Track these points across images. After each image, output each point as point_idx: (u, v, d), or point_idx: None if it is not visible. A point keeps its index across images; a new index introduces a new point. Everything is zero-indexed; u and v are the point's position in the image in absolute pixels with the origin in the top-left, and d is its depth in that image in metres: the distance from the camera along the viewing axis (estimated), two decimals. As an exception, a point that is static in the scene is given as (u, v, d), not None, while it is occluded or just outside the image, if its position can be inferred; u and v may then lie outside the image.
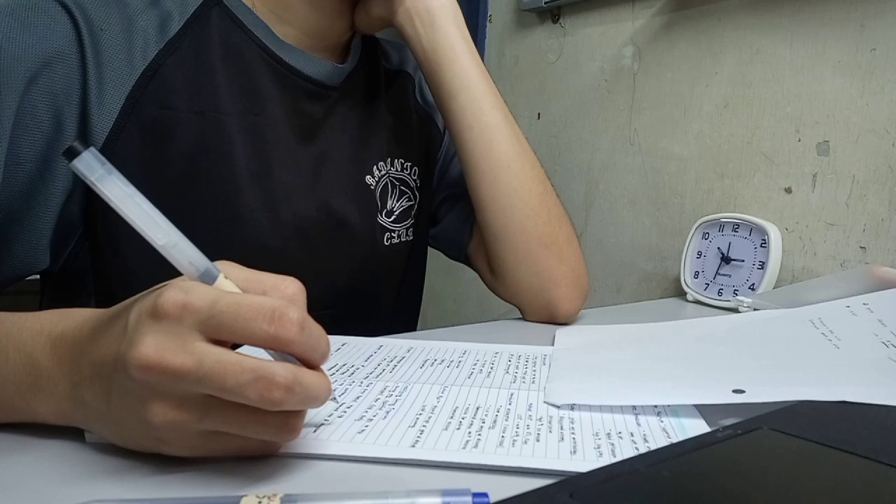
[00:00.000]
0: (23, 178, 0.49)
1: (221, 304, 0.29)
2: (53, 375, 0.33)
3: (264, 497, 0.28)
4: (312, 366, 0.31)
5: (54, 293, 0.60)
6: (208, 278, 0.31)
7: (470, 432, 0.37)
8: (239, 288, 0.32)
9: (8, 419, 0.36)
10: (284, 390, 0.29)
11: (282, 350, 0.30)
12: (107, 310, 0.34)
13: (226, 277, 0.31)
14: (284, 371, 0.29)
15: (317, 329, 0.31)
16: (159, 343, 0.29)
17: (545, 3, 1.17)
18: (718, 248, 0.86)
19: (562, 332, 0.61)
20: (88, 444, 0.35)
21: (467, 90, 0.64)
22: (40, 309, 0.60)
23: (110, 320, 0.32)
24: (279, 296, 0.32)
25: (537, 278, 0.65)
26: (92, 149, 0.30)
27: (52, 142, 0.49)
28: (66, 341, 0.34)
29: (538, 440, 0.36)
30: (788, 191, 0.87)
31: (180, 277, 0.31)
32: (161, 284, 0.31)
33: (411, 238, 0.72)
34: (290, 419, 0.31)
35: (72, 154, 0.29)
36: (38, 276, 0.61)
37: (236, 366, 0.29)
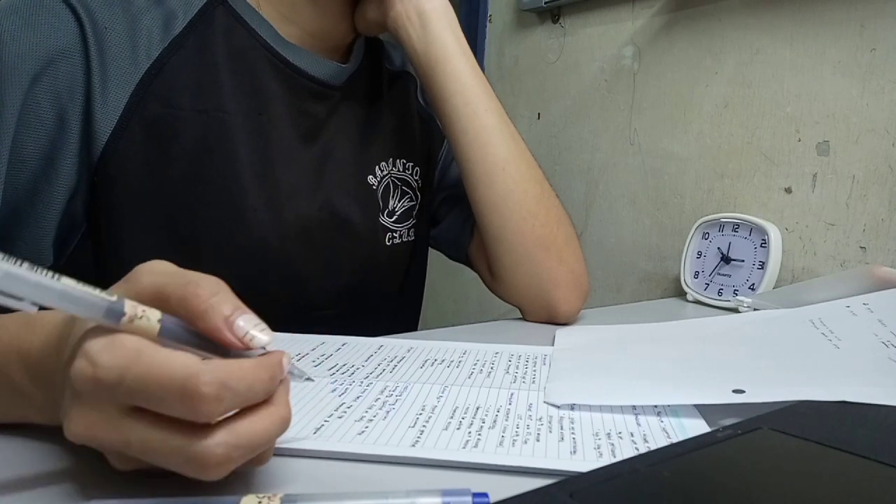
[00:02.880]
0: (27, 176, 0.49)
1: (129, 381, 0.26)
2: (32, 393, 0.33)
3: (264, 497, 0.28)
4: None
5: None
6: (112, 318, 0.27)
7: (470, 432, 0.37)
8: (153, 302, 0.28)
9: (5, 421, 0.36)
10: (219, 465, 0.27)
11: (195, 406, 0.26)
12: (63, 327, 0.31)
13: (133, 309, 0.27)
14: (217, 444, 0.26)
15: (244, 381, 0.27)
16: (86, 419, 0.27)
17: (545, 3, 1.17)
18: (718, 248, 0.86)
19: (562, 333, 0.61)
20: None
21: (461, 93, 0.63)
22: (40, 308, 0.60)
23: (59, 353, 0.30)
24: (191, 310, 0.28)
25: (536, 279, 0.65)
26: None
27: (55, 140, 0.49)
28: (33, 358, 0.32)
29: (538, 440, 0.36)
30: (788, 191, 0.87)
31: (89, 334, 0.27)
32: (85, 336, 0.28)
33: (413, 238, 0.72)
34: (252, 461, 0.29)
35: None
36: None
37: (162, 445, 0.27)
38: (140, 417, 0.27)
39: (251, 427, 0.28)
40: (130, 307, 0.27)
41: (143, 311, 0.28)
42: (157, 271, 0.30)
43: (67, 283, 0.26)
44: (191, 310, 0.28)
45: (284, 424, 0.29)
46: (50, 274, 0.26)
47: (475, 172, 0.64)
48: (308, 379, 0.34)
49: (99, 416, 0.27)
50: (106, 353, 0.26)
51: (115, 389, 0.26)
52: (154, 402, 0.26)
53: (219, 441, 0.27)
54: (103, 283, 0.58)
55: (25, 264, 0.25)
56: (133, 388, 0.26)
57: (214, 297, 0.28)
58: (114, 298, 0.27)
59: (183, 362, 0.26)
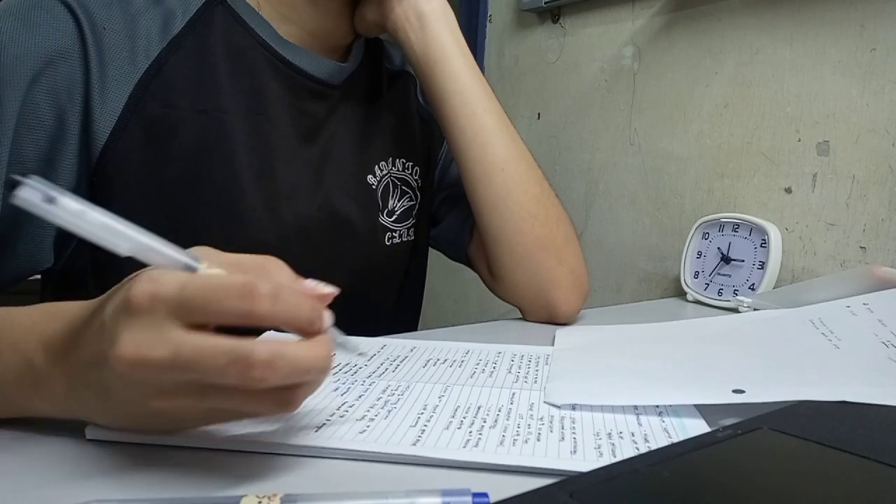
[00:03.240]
0: None
1: (190, 288, 0.29)
2: (50, 376, 0.33)
3: (264, 497, 0.28)
4: (307, 333, 0.31)
5: (55, 292, 0.60)
6: (186, 270, 0.31)
7: (471, 431, 0.37)
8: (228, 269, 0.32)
9: (10, 415, 0.36)
10: (264, 368, 0.28)
11: (258, 325, 0.29)
12: (88, 304, 0.34)
13: (208, 268, 0.31)
14: (263, 349, 0.28)
15: (295, 297, 0.30)
16: (136, 338, 0.29)
17: (545, 3, 1.17)
18: (718, 248, 0.86)
19: (562, 333, 0.61)
20: (89, 443, 0.35)
21: (460, 94, 0.63)
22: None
23: (90, 318, 0.32)
24: (263, 272, 0.32)
25: (536, 279, 0.65)
26: (31, 179, 0.29)
27: (55, 140, 0.49)
28: (56, 342, 0.33)
29: (539, 440, 0.36)
30: (788, 191, 0.87)
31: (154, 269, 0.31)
32: (132, 275, 0.31)
33: (412, 238, 0.72)
34: (285, 394, 0.31)
35: (12, 188, 0.29)
36: (38, 276, 0.61)
37: (212, 349, 0.28)
38: (191, 330, 0.29)
39: (296, 348, 0.29)
40: (205, 266, 0.31)
41: (216, 270, 0.31)
42: (220, 252, 0.34)
43: (153, 238, 0.31)
44: (263, 272, 0.33)
45: (324, 363, 0.31)
46: (139, 229, 0.31)
47: (474, 173, 0.64)
48: (361, 354, 0.35)
49: (149, 334, 0.29)
50: (167, 274, 0.30)
51: (175, 299, 0.29)
52: (213, 305, 0.29)
53: (265, 347, 0.28)
54: (102, 282, 0.58)
55: (119, 220, 0.30)
56: (194, 295, 0.29)
57: (283, 271, 0.33)
58: (190, 258, 0.31)
59: (241, 276, 0.30)
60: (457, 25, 0.65)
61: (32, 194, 0.28)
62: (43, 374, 0.33)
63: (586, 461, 0.34)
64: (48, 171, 0.50)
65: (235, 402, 0.30)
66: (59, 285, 0.58)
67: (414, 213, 0.72)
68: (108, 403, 0.32)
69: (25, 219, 0.50)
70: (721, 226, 0.87)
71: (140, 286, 0.29)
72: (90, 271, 0.55)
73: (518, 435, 0.37)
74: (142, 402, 0.30)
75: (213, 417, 0.33)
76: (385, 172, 0.69)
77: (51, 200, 0.28)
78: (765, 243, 0.81)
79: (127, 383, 0.30)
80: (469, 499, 0.28)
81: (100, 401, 0.32)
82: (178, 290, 0.29)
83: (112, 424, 0.34)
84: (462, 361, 0.51)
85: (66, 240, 0.53)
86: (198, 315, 0.29)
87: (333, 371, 0.47)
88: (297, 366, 0.29)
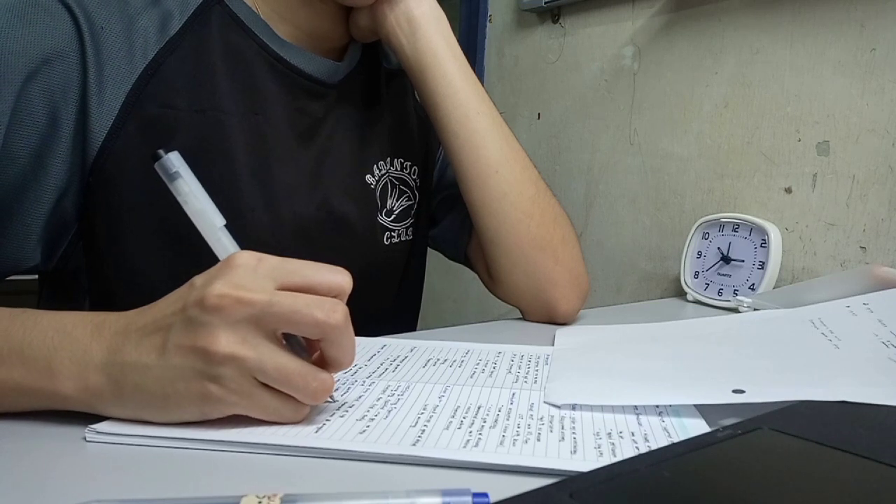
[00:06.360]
0: (14, 174, 0.49)
1: (291, 259, 0.37)
2: (90, 348, 0.36)
3: (264, 497, 0.28)
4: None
5: (51, 293, 0.60)
6: None
7: (471, 431, 0.37)
8: None
9: (25, 402, 0.37)
10: (344, 315, 0.36)
11: (342, 295, 0.37)
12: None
13: None
14: (341, 304, 0.36)
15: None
16: (235, 282, 0.34)
17: (545, 3, 1.17)
18: (718, 248, 0.86)
19: (562, 333, 0.61)
20: (89, 443, 0.35)
21: (452, 97, 0.63)
22: (38, 308, 0.61)
23: (165, 297, 0.37)
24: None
25: (533, 280, 0.65)
26: (171, 154, 0.39)
27: (46, 139, 0.49)
28: (109, 323, 0.37)
29: (539, 439, 0.36)
30: (788, 191, 0.87)
31: None
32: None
33: (411, 237, 0.72)
34: (327, 381, 0.37)
35: (154, 158, 0.39)
36: (35, 277, 0.61)
37: (305, 297, 0.35)
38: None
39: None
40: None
41: None
42: None
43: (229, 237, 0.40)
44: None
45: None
46: (220, 222, 0.40)
47: (468, 175, 0.64)
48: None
49: (248, 281, 0.35)
50: (271, 257, 0.37)
51: (279, 262, 0.36)
52: (310, 269, 0.37)
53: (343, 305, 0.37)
54: (99, 282, 0.58)
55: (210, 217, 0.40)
56: (294, 262, 0.37)
57: None
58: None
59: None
60: (449, 29, 0.65)
61: (164, 168, 0.38)
62: (82, 345, 0.36)
63: (586, 461, 0.34)
64: (37, 169, 0.49)
65: (284, 375, 0.35)
66: (54, 285, 0.58)
67: (412, 212, 0.72)
68: (157, 361, 0.35)
69: (10, 215, 0.50)
70: (721, 226, 0.87)
71: (246, 254, 0.36)
72: (85, 272, 0.55)
73: (518, 435, 0.37)
74: (204, 344, 0.34)
75: (250, 391, 0.35)
76: (384, 172, 0.69)
77: (173, 179, 0.39)
78: (765, 243, 0.81)
79: (202, 322, 0.34)
80: (469, 499, 0.28)
81: (147, 360, 0.35)
82: (280, 259, 0.36)
83: (137, 399, 0.35)
84: (462, 361, 0.51)
85: (56, 240, 0.53)
86: (297, 276, 0.36)
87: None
88: (352, 341, 0.38)
